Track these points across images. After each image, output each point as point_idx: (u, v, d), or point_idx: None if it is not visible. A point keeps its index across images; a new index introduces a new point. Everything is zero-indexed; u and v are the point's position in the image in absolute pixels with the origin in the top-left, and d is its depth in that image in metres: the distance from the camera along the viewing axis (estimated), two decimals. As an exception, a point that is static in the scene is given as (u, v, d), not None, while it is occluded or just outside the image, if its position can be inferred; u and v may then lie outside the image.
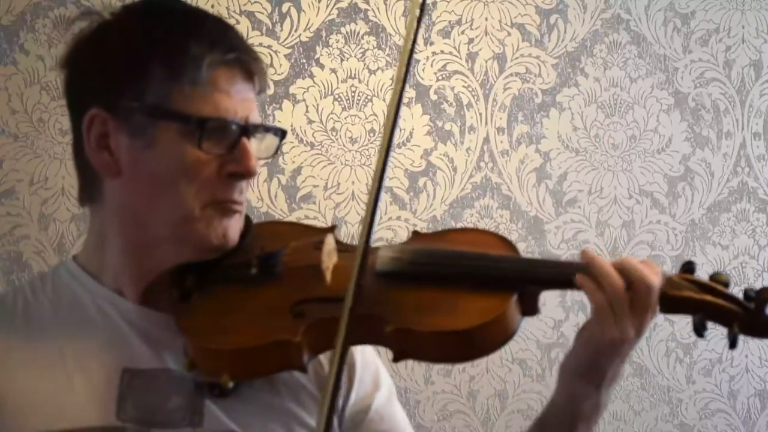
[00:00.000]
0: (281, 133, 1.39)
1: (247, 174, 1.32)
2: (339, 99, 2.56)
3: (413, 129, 2.60)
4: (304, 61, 2.54)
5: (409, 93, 2.60)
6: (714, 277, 1.32)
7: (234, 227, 1.34)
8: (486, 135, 2.64)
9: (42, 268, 2.35)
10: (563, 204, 2.69)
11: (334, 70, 2.55)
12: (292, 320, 1.28)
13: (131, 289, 1.35)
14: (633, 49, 2.72)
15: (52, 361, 1.31)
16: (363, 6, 2.57)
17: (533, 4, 2.67)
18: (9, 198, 2.39)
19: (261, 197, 2.51)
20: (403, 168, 2.59)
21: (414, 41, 1.20)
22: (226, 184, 1.32)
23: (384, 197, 2.54)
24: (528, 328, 2.62)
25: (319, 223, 2.52)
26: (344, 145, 2.56)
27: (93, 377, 1.31)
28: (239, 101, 1.32)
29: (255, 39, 2.49)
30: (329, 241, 1.35)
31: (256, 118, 1.34)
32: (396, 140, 2.58)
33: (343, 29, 2.56)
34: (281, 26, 2.52)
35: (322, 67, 2.55)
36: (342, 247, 1.37)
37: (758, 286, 2.84)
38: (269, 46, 2.51)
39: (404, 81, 1.19)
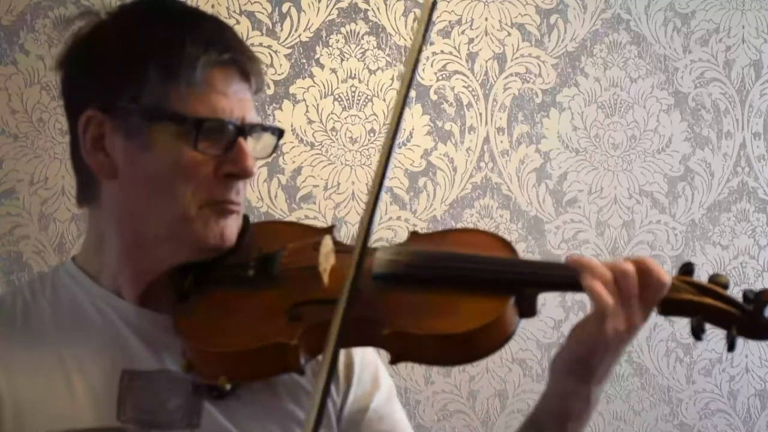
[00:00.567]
0: (279, 133, 1.39)
1: (244, 174, 1.32)
2: (339, 99, 2.56)
3: (413, 129, 2.60)
4: (304, 61, 2.54)
5: (410, 93, 2.59)
6: (713, 278, 1.32)
7: (231, 227, 1.34)
8: (486, 135, 2.64)
9: (42, 268, 2.36)
10: (563, 204, 2.69)
11: (334, 70, 2.55)
12: (289, 323, 1.28)
13: (129, 289, 1.35)
14: (633, 49, 2.72)
15: (51, 363, 1.31)
16: (363, 6, 2.57)
17: (533, 4, 2.66)
18: (9, 198, 2.39)
19: (261, 197, 2.51)
20: (403, 168, 2.59)
21: (420, 50, 1.19)
22: (223, 184, 1.31)
23: (384, 197, 2.55)
24: (528, 328, 2.62)
25: (319, 223, 2.52)
26: (344, 145, 2.56)
27: (92, 379, 1.31)
28: (235, 101, 1.31)
29: (255, 39, 2.49)
30: (327, 243, 1.35)
31: (253, 117, 1.34)
32: (396, 140, 2.58)
33: (343, 29, 2.56)
34: (281, 26, 2.52)
35: (322, 67, 2.55)
36: (340, 248, 1.36)
37: (758, 286, 2.86)
38: (269, 46, 2.51)
39: (408, 88, 1.18)
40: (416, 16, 2.58)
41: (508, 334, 1.29)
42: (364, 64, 2.57)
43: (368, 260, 1.32)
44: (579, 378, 1.30)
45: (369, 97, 2.57)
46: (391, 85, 2.58)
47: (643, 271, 1.28)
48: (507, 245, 1.39)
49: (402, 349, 1.27)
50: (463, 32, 2.63)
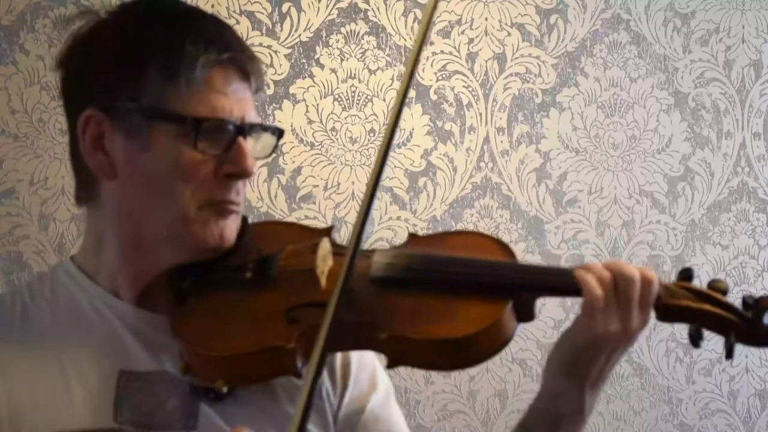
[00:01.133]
0: (279, 133, 1.39)
1: (244, 174, 1.32)
2: (339, 99, 2.56)
3: (413, 129, 2.60)
4: (304, 61, 2.54)
5: (410, 93, 2.59)
6: (712, 284, 1.31)
7: (231, 228, 1.33)
8: (486, 135, 2.64)
9: (42, 268, 2.36)
10: (563, 204, 2.69)
11: (334, 70, 2.55)
12: (287, 326, 1.28)
13: (128, 290, 1.35)
14: (633, 49, 2.72)
15: (49, 364, 1.31)
16: (363, 6, 2.57)
17: (533, 4, 2.66)
18: (9, 198, 2.39)
19: (261, 197, 2.50)
20: (403, 168, 2.59)
21: (421, 49, 1.19)
22: (222, 184, 1.31)
23: (384, 197, 2.55)
24: (528, 328, 2.62)
25: (319, 223, 2.52)
26: (344, 145, 2.56)
27: (90, 380, 1.30)
28: (235, 101, 1.31)
29: (255, 39, 2.49)
30: (324, 245, 1.34)
31: (252, 117, 1.34)
32: (396, 140, 2.58)
33: (343, 29, 2.56)
34: (281, 26, 2.52)
35: (322, 67, 2.55)
36: (338, 250, 1.35)
37: (758, 285, 2.86)
38: (269, 46, 2.51)
39: (405, 95, 1.18)
40: (416, 17, 2.58)
41: (506, 339, 1.29)
42: (364, 64, 2.57)
43: (366, 263, 1.32)
44: (571, 379, 1.30)
45: (369, 97, 2.57)
46: (391, 85, 2.58)
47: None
48: (506, 249, 1.38)
49: (399, 354, 1.26)
50: (463, 32, 2.63)
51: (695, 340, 1.28)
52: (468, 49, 2.63)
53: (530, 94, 2.67)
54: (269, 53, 2.51)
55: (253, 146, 1.34)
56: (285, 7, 2.52)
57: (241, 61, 1.33)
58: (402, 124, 2.58)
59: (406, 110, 2.59)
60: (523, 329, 1.34)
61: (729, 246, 2.78)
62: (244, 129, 1.32)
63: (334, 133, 2.56)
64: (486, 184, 2.64)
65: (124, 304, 1.35)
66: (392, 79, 2.58)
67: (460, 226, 2.61)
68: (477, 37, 2.64)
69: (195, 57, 1.28)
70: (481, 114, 2.64)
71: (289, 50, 2.53)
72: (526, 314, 1.31)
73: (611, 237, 2.71)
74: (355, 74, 2.57)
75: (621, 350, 1.30)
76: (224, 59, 1.30)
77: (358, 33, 2.57)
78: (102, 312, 1.35)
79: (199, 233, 1.31)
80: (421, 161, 2.61)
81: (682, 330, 2.70)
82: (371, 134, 2.57)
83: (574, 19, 2.68)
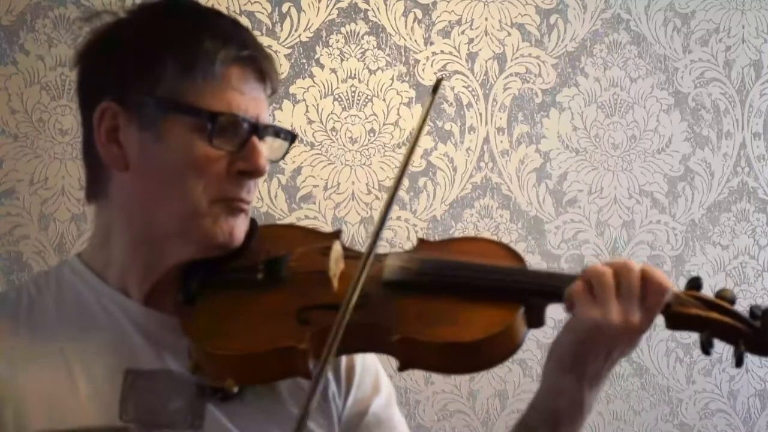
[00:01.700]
0: (291, 137, 1.39)
1: (256, 172, 1.32)
2: (339, 99, 2.56)
3: (413, 129, 2.60)
4: (304, 61, 2.54)
5: (409, 93, 2.60)
6: (720, 294, 1.31)
7: (240, 226, 1.33)
8: (486, 135, 2.64)
9: (42, 268, 2.35)
10: (563, 204, 2.69)
11: (334, 70, 2.55)
12: (298, 327, 1.28)
13: (136, 288, 1.35)
14: (633, 49, 2.72)
15: (55, 360, 1.31)
16: (363, 6, 2.57)
17: (533, 4, 2.66)
18: (9, 198, 2.39)
19: (261, 197, 2.50)
20: (403, 168, 2.59)
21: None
22: (234, 181, 1.31)
23: (384, 197, 2.55)
24: (528, 328, 2.62)
25: (319, 224, 2.52)
26: (344, 145, 2.56)
27: (96, 377, 1.30)
28: (251, 100, 1.32)
29: (255, 39, 2.49)
30: (337, 248, 1.35)
31: (266, 118, 1.34)
32: (396, 140, 2.59)
33: (343, 29, 2.56)
34: (281, 26, 2.52)
35: (322, 67, 2.55)
36: (349, 254, 1.36)
37: (758, 285, 2.86)
38: (269, 46, 2.50)
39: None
40: (416, 17, 2.58)
41: (517, 344, 1.30)
42: (364, 64, 2.57)
43: (378, 266, 1.32)
44: (570, 374, 1.30)
45: (369, 97, 2.57)
46: (390, 85, 2.58)
47: (647, 273, 1.28)
48: (515, 255, 1.39)
49: (410, 357, 1.27)
50: (463, 32, 2.63)
51: (706, 348, 1.28)
52: (468, 49, 2.63)
53: (530, 94, 2.67)
54: (269, 53, 2.50)
55: (265, 147, 1.34)
56: (285, 7, 2.52)
57: (259, 60, 1.33)
58: (403, 124, 2.59)
59: (406, 110, 2.59)
60: (523, 329, 1.34)
61: (729, 246, 2.78)
62: (259, 128, 1.32)
63: (334, 133, 2.56)
64: (486, 184, 2.64)
65: (132, 303, 1.35)
66: (392, 79, 2.58)
67: (460, 226, 2.61)
68: (477, 37, 2.64)
69: (214, 52, 1.29)
70: (481, 114, 2.64)
71: (289, 50, 2.53)
72: (536, 320, 1.32)
73: (611, 237, 2.71)
74: (355, 74, 2.57)
75: (621, 349, 1.30)
76: (244, 56, 1.31)
77: (358, 33, 2.57)
78: (110, 310, 1.35)
79: (209, 228, 1.31)
80: (421, 161, 2.61)
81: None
82: (371, 134, 2.57)
83: (574, 19, 2.68)
